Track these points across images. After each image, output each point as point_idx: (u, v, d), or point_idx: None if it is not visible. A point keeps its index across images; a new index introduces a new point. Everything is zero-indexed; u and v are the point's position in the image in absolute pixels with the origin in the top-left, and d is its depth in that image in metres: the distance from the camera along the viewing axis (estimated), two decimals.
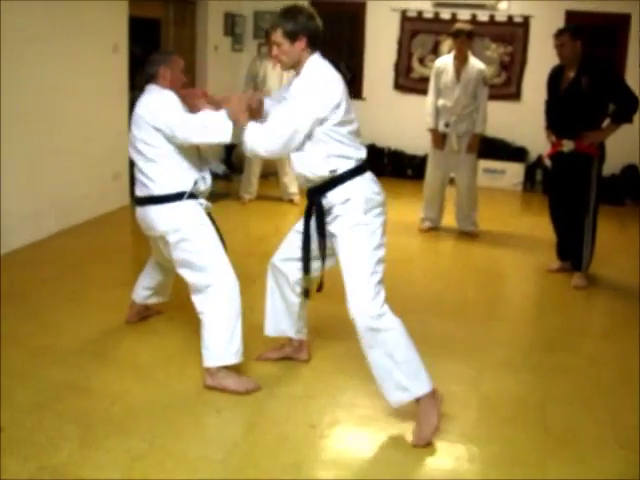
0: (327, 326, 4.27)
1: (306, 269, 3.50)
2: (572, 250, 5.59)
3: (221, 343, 3.52)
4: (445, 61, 6.71)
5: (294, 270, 3.59)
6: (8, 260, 5.43)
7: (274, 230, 6.55)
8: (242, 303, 3.59)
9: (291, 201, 7.84)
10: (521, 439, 3.24)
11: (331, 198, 3.26)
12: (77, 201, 6.48)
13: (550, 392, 3.73)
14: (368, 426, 3.33)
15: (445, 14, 9.32)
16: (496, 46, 9.30)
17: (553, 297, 5.39)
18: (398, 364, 3.15)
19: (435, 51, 9.37)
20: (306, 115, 3.13)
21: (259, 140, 3.21)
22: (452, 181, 6.96)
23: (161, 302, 4.37)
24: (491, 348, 4.28)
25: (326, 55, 3.32)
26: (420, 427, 3.15)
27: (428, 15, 9.43)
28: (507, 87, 9.36)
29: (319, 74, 3.22)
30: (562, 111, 5.38)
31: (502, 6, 9.17)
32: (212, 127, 3.35)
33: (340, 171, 3.23)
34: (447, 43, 8.94)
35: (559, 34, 5.30)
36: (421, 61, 9.59)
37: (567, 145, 5.35)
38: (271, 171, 8.14)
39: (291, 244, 3.58)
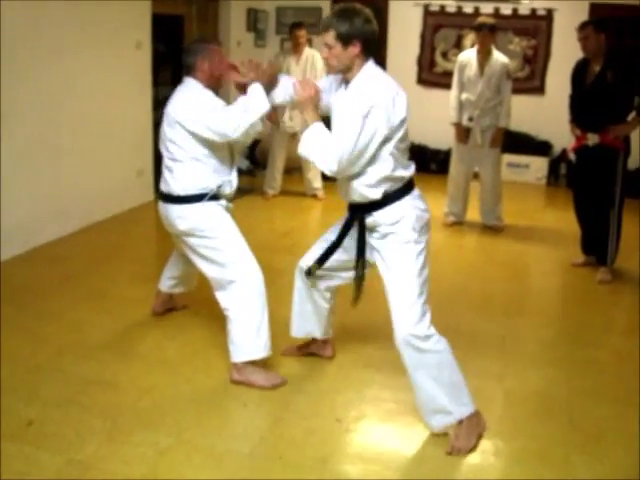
0: (352, 322, 4.28)
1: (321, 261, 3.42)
2: (597, 244, 5.56)
3: (248, 338, 3.52)
4: (468, 55, 6.68)
5: (323, 276, 3.54)
6: (33, 257, 5.51)
7: (299, 225, 6.55)
8: (268, 298, 3.60)
9: (315, 196, 7.84)
10: (546, 434, 3.24)
11: (378, 217, 3.12)
12: (101, 198, 6.53)
13: (575, 387, 3.72)
14: (394, 420, 3.34)
15: (468, 8, 9.26)
16: (519, 39, 9.22)
17: (578, 292, 5.35)
18: (442, 387, 3.07)
19: (458, 45, 9.33)
20: (375, 136, 2.92)
21: (326, 160, 3.00)
22: (476, 175, 6.94)
23: (186, 291, 4.39)
24: (516, 342, 4.27)
25: None
26: (458, 442, 3.08)
27: (451, 9, 9.39)
28: (531, 81, 9.29)
29: (382, 87, 2.98)
30: (587, 105, 5.33)
31: None
32: (251, 106, 3.34)
33: (390, 190, 3.10)
34: (470, 37, 8.92)
35: (582, 27, 5.25)
36: (444, 55, 9.55)
37: (592, 139, 5.31)
38: (295, 166, 8.15)
39: (322, 250, 3.44)
